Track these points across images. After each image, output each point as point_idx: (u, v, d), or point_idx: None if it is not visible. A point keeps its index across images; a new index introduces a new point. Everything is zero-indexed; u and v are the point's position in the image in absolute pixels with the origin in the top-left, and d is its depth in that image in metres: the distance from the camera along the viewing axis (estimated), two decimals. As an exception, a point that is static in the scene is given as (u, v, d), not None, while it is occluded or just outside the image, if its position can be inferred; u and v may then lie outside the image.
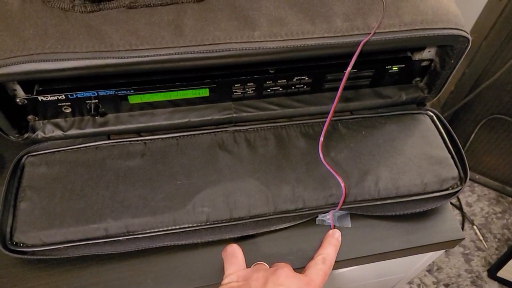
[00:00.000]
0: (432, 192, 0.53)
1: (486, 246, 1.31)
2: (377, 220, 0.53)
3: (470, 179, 1.44)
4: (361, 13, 0.49)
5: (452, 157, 0.55)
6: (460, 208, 1.37)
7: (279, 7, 0.49)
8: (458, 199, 1.38)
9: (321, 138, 0.51)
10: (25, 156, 0.54)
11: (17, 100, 0.51)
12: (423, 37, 0.49)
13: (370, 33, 0.48)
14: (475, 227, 1.34)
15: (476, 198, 1.40)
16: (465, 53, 0.52)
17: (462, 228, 1.32)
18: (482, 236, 1.32)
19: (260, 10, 0.49)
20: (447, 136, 0.57)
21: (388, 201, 0.53)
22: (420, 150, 0.55)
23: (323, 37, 0.48)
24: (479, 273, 1.27)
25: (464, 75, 1.09)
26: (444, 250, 0.58)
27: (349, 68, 0.50)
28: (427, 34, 0.49)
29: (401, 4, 0.50)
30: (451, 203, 0.56)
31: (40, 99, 0.51)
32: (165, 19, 0.47)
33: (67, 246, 0.49)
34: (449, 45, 0.52)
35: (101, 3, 0.47)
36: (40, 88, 0.51)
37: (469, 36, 0.50)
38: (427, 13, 0.49)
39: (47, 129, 0.55)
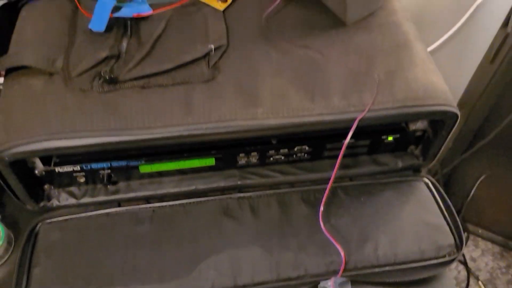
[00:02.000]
0: (429, 259, 0.55)
1: (492, 302, 1.29)
2: (377, 287, 0.55)
3: (473, 234, 1.44)
4: (356, 91, 0.53)
5: (448, 224, 0.57)
6: (465, 263, 1.36)
7: (281, 85, 0.53)
8: (463, 255, 1.38)
9: (321, 208, 0.54)
10: (39, 224, 0.57)
11: (36, 171, 0.54)
12: (414, 113, 0.53)
13: (365, 110, 0.51)
14: (480, 282, 1.32)
15: (480, 253, 1.39)
16: (455, 127, 0.55)
17: (468, 284, 1.31)
18: (488, 292, 1.31)
19: (263, 88, 0.53)
20: (442, 203, 0.60)
21: (387, 268, 0.54)
22: (417, 217, 0.58)
23: (321, 114, 0.51)
24: (487, 331, 1.24)
25: (461, 132, 1.12)
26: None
27: (346, 141, 0.53)
28: (418, 110, 0.53)
29: (394, 82, 0.54)
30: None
31: (57, 171, 0.55)
32: (176, 97, 0.51)
33: (78, 313, 0.50)
34: (439, 119, 0.56)
35: (117, 84, 0.52)
36: (58, 160, 0.55)
37: (457, 111, 0.54)
38: (418, 91, 0.53)
39: (61, 198, 0.58)
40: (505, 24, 0.96)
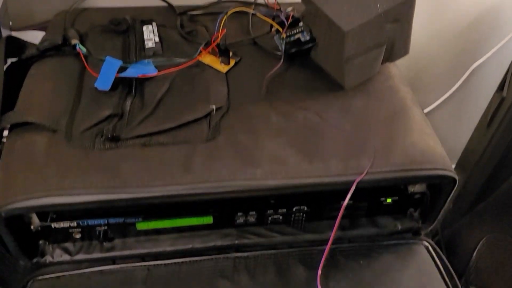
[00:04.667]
0: (431, 328, 0.53)
1: None
2: None
3: (477, 298, 1.40)
4: (354, 155, 0.54)
5: (449, 291, 0.56)
6: (469, 328, 1.31)
7: (280, 147, 0.54)
8: (467, 319, 1.33)
9: (319, 272, 0.53)
10: (31, 281, 0.55)
11: (32, 227, 0.54)
12: (412, 177, 0.53)
13: (363, 173, 0.52)
14: None
15: (486, 318, 1.34)
16: (453, 191, 0.55)
17: None
18: None
19: (262, 150, 0.53)
20: (443, 268, 0.59)
21: (387, 337, 0.52)
22: (417, 282, 0.56)
23: (319, 176, 0.52)
24: None
25: (461, 194, 1.12)
26: None
27: (345, 203, 0.53)
28: (416, 174, 0.53)
29: (391, 148, 0.54)
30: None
31: (53, 226, 0.54)
32: (176, 157, 0.52)
33: None
34: (437, 183, 0.56)
35: (118, 142, 0.52)
36: (54, 216, 0.54)
37: (455, 176, 0.54)
38: (415, 155, 0.54)
39: (55, 254, 0.57)
40: (501, 88, 0.98)
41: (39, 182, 0.48)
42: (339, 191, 0.54)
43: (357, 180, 0.52)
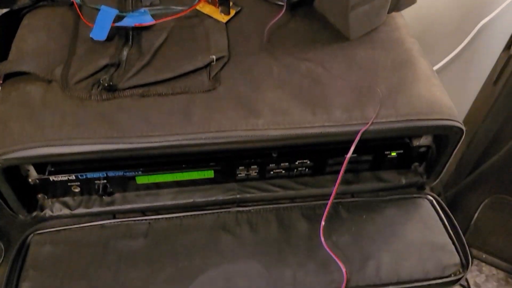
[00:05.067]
0: (434, 279, 0.53)
1: (498, 331, 1.25)
2: (380, 307, 0.52)
3: (477, 259, 1.41)
4: (359, 105, 0.52)
5: (453, 243, 0.55)
6: (468, 289, 1.33)
7: (282, 98, 0.52)
8: (466, 280, 1.34)
9: (322, 223, 0.52)
10: (31, 235, 0.55)
11: (30, 180, 0.53)
12: (418, 128, 0.52)
13: (368, 123, 0.50)
14: (485, 309, 1.29)
15: (485, 279, 1.36)
16: (460, 143, 0.54)
17: (472, 311, 1.27)
18: (493, 320, 1.27)
19: (264, 100, 0.52)
20: (447, 221, 0.58)
21: (390, 287, 0.52)
22: (420, 236, 0.56)
23: (323, 126, 0.50)
24: None
25: (464, 156, 1.11)
26: None
27: (348, 155, 0.52)
28: (422, 125, 0.51)
29: (397, 97, 0.53)
30: (460, 284, 0.56)
31: (51, 179, 0.53)
32: (175, 107, 0.51)
33: (66, 329, 0.48)
34: (444, 135, 0.55)
35: (116, 92, 0.51)
36: (52, 169, 0.53)
37: (462, 127, 0.52)
38: (422, 105, 0.52)
39: (55, 208, 0.56)
40: (508, 46, 0.96)
41: (35, 132, 0.47)
42: (343, 143, 0.52)
43: (362, 130, 0.50)
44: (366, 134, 0.51)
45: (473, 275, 1.36)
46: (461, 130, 0.52)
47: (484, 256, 1.36)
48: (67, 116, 0.48)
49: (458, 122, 0.52)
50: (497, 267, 1.36)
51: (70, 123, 0.48)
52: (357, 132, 0.50)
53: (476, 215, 1.19)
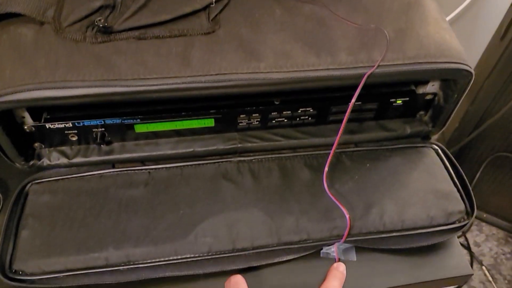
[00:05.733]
0: (439, 226, 0.52)
1: (496, 288, 1.27)
2: (383, 254, 0.52)
3: (477, 218, 1.42)
4: (365, 48, 0.50)
5: (458, 191, 0.55)
6: (468, 247, 1.34)
7: (285, 41, 0.50)
8: (466, 239, 1.35)
9: (326, 169, 0.51)
10: (29, 184, 0.54)
11: (25, 127, 0.51)
12: (426, 71, 0.50)
13: (374, 66, 0.49)
14: (484, 267, 1.30)
15: (484, 238, 1.37)
16: (468, 88, 0.52)
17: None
18: (492, 277, 1.28)
19: (266, 43, 0.50)
20: (452, 170, 0.57)
21: (394, 234, 0.52)
22: (425, 184, 0.55)
23: (327, 69, 0.49)
24: (489, 316, 1.22)
25: (468, 112, 1.09)
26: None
27: (353, 100, 0.50)
28: (430, 68, 0.49)
29: (404, 39, 0.51)
30: (460, 243, 0.56)
31: (47, 127, 0.52)
32: (173, 50, 0.48)
33: (67, 275, 0.48)
34: (452, 80, 0.53)
35: (111, 34, 0.49)
36: (48, 116, 0.52)
37: (472, 70, 0.51)
38: (430, 48, 0.50)
39: (52, 157, 0.55)
40: (517, 0, 0.92)
41: (28, 75, 0.45)
42: (347, 89, 0.51)
43: (367, 74, 0.48)
44: (372, 78, 0.49)
45: (473, 234, 1.37)
46: (471, 73, 0.50)
47: (484, 215, 1.37)
48: (61, 58, 0.46)
49: (468, 65, 0.50)
50: (497, 226, 1.37)
51: (64, 65, 0.46)
52: (362, 76, 0.49)
53: (478, 173, 1.19)
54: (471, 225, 0.52)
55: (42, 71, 0.45)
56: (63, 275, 0.48)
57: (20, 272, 0.47)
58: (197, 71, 0.47)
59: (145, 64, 0.47)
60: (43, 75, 0.45)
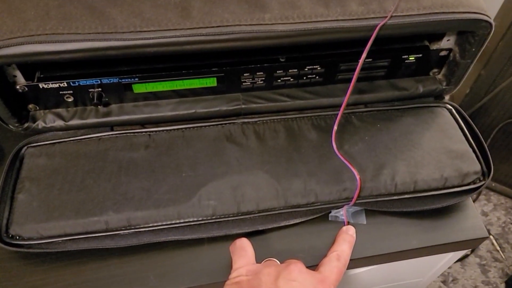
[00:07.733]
0: (453, 187, 0.50)
1: (503, 257, 1.26)
2: (394, 217, 0.50)
3: (486, 188, 1.40)
4: (377, -3, 0.46)
5: (474, 151, 0.52)
6: (475, 217, 1.32)
7: (291, -10, 0.47)
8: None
9: (335, 127, 0.49)
10: (25, 147, 0.52)
11: (17, 87, 0.49)
12: (442, 21, 0.46)
13: (387, 16, 0.45)
14: (491, 236, 1.29)
15: (492, 207, 1.35)
16: (488, 40, 0.49)
17: (478, 238, 1.27)
18: (499, 247, 1.27)
19: (271, -7, 0.46)
20: (467, 130, 0.54)
21: (406, 196, 0.49)
22: (439, 144, 0.52)
23: (337, 20, 0.45)
24: (496, 285, 1.22)
25: (480, 77, 1.06)
26: (466, 251, 0.54)
27: (364, 54, 0.47)
28: (447, 18, 0.46)
29: (419, -13, 0.47)
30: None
31: (41, 87, 0.49)
32: (172, 1, 0.45)
33: (66, 240, 0.46)
34: (469, 32, 0.49)
35: (105, -16, 0.45)
36: (42, 75, 0.49)
37: (491, 21, 0.47)
38: (447, -3, 0.47)
39: (48, 119, 0.52)
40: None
41: (17, 27, 0.42)
42: (357, 44, 0.47)
43: (380, 25, 0.45)
44: (384, 30, 0.46)
45: (481, 204, 1.36)
46: (490, 24, 0.47)
47: (493, 184, 1.34)
48: (52, 9, 0.43)
49: (487, 15, 0.47)
50: (506, 195, 1.35)
51: (55, 16, 0.43)
52: (374, 27, 0.45)
53: (489, 140, 1.16)
54: (485, 187, 0.49)
55: (32, 23, 0.42)
56: (62, 240, 0.46)
57: (17, 237, 0.46)
58: (197, 23, 0.44)
59: (142, 16, 0.44)
60: (33, 28, 0.42)
